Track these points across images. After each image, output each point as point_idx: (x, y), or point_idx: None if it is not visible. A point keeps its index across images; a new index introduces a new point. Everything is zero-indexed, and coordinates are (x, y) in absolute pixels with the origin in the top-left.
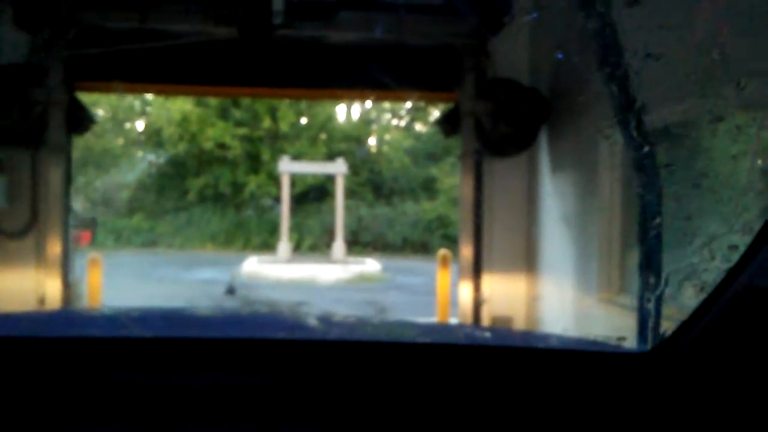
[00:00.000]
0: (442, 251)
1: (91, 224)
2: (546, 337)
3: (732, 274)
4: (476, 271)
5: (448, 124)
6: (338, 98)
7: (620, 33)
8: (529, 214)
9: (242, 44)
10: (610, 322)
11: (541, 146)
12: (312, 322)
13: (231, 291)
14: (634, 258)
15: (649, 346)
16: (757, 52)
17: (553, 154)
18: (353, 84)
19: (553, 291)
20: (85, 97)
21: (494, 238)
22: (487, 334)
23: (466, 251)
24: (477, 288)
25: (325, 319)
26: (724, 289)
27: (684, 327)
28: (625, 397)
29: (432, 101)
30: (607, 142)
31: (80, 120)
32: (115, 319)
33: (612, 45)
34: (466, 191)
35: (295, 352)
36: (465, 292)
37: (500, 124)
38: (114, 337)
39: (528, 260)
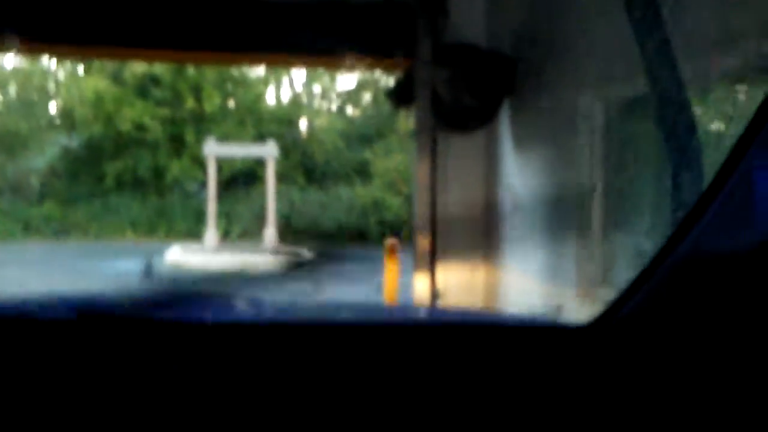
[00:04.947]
0: (390, 240)
1: None
2: (484, 313)
3: (672, 242)
4: (432, 261)
5: (399, 95)
6: (269, 64)
7: None
8: (487, 197)
9: None
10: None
11: (502, 120)
12: (242, 305)
13: (148, 273)
14: (622, 248)
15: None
16: None
17: (517, 128)
18: (287, 48)
19: (519, 284)
20: None
21: (450, 224)
22: (424, 313)
23: (422, 239)
24: (433, 281)
25: (257, 303)
26: (664, 257)
27: (622, 299)
28: (559, 370)
29: (380, 68)
30: (589, 113)
31: None
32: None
33: None
34: (422, 172)
35: (222, 335)
36: (420, 284)
37: (462, 94)
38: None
39: (488, 249)
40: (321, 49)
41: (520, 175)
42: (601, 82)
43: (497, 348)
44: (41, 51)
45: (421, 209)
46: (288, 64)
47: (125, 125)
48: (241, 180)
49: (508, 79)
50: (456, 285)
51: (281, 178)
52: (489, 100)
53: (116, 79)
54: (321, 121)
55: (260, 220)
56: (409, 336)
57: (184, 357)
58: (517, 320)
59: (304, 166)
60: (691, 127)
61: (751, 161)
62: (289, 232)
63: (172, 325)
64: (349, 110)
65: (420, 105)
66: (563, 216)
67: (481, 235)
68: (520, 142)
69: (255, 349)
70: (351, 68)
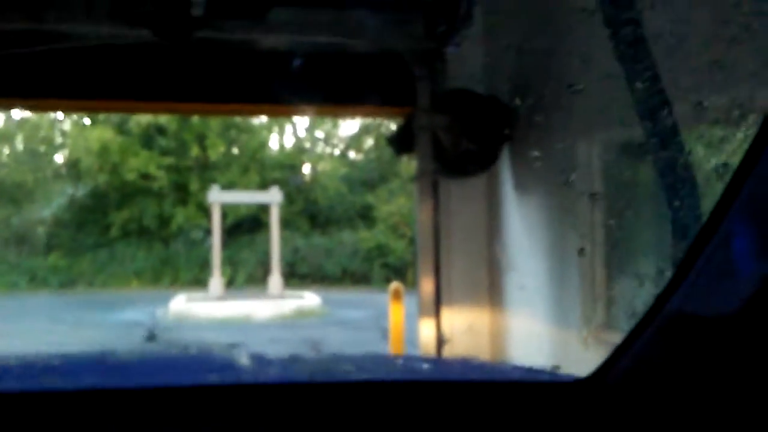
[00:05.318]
0: (394, 284)
1: None
2: (482, 366)
3: (660, 300)
4: (437, 306)
5: (400, 142)
6: (273, 114)
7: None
8: (490, 242)
9: (158, 49)
10: (595, 364)
11: (502, 165)
12: (244, 362)
13: (151, 337)
14: (625, 289)
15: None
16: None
17: (517, 172)
18: (290, 98)
19: (524, 328)
20: None
21: (453, 269)
22: (424, 365)
23: (426, 283)
24: (438, 326)
25: (259, 359)
26: (653, 315)
27: (615, 355)
28: (553, 427)
29: (380, 116)
30: (587, 157)
31: None
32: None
33: (636, 32)
34: (424, 217)
35: (225, 397)
36: (426, 330)
37: (462, 140)
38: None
39: (492, 293)
40: (322, 98)
41: (521, 219)
42: (599, 127)
43: (496, 406)
44: (47, 107)
45: (424, 253)
46: (289, 114)
47: (131, 175)
48: (246, 227)
49: (507, 124)
50: (462, 330)
51: (285, 224)
52: (488, 146)
53: (122, 129)
54: (324, 166)
55: (265, 266)
56: (408, 393)
57: (186, 423)
58: (515, 376)
59: (308, 211)
60: (687, 168)
61: (730, 227)
62: (293, 277)
63: (172, 391)
64: (352, 155)
65: (420, 151)
66: (565, 259)
67: (485, 279)
68: (520, 186)
69: (257, 411)
70: (351, 116)
